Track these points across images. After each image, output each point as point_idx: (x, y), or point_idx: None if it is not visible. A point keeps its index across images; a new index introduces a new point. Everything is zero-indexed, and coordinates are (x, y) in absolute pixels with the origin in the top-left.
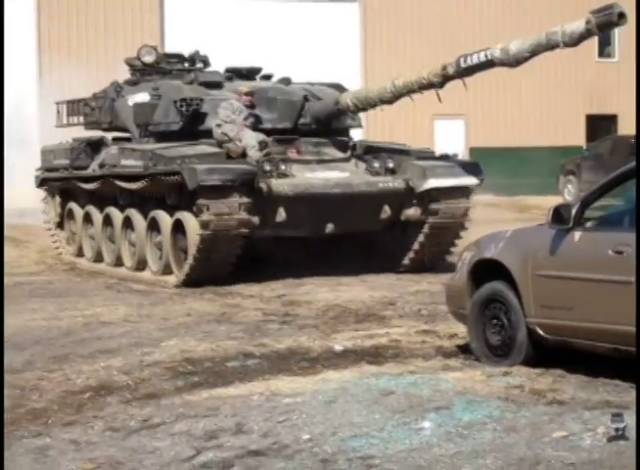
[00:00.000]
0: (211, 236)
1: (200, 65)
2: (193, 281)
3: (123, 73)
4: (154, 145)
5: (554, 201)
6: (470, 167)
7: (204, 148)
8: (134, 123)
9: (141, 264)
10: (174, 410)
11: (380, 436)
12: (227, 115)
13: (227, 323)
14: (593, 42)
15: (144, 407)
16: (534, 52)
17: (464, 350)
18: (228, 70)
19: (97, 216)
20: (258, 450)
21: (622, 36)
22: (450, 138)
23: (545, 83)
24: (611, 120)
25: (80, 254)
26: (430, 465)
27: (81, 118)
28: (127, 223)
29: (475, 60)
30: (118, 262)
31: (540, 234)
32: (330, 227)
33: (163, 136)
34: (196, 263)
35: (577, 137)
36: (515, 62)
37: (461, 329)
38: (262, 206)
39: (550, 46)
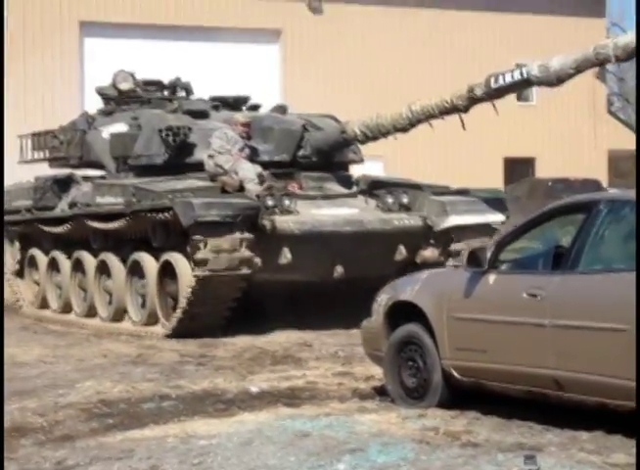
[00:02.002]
0: (208, 278)
1: (182, 93)
2: (184, 331)
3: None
4: (135, 180)
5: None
6: (493, 203)
7: (194, 182)
8: (111, 157)
9: (118, 315)
10: (89, 452)
11: None
12: (221, 145)
13: (143, 365)
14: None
15: (58, 449)
16: (580, 68)
17: (380, 392)
18: (213, 99)
19: (65, 263)
20: None
21: None
22: None
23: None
24: (528, 163)
25: (44, 305)
26: None
27: (47, 153)
28: (102, 269)
29: (508, 79)
30: (90, 313)
31: (456, 276)
32: (339, 271)
33: (145, 170)
34: (188, 311)
35: (495, 180)
36: (556, 80)
37: (377, 371)
38: (264, 245)
39: (599, 61)
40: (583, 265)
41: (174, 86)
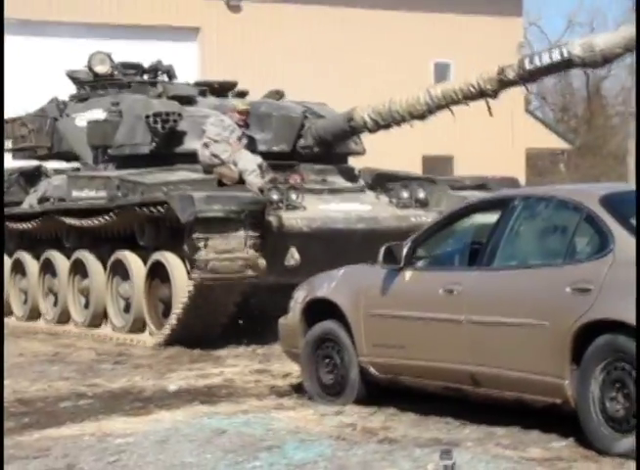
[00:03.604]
0: (209, 283)
1: (163, 77)
2: (177, 340)
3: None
4: (117, 172)
5: None
6: None
7: (187, 174)
8: (87, 147)
9: (96, 319)
10: (5, 452)
11: None
12: (217, 132)
13: (60, 363)
14: (430, 84)
15: None
16: (629, 47)
17: (297, 389)
18: (197, 84)
19: (31, 264)
20: None
21: (458, 78)
22: None
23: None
24: (446, 162)
25: (8, 312)
26: None
27: (11, 143)
28: (76, 269)
29: (545, 60)
30: (63, 319)
31: (372, 273)
32: None
33: (128, 161)
34: (183, 319)
35: None
36: (602, 60)
37: (295, 368)
38: (269, 245)
39: None
40: (499, 261)
41: (156, 70)
